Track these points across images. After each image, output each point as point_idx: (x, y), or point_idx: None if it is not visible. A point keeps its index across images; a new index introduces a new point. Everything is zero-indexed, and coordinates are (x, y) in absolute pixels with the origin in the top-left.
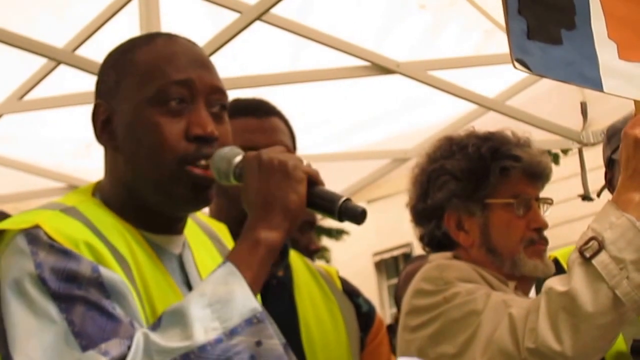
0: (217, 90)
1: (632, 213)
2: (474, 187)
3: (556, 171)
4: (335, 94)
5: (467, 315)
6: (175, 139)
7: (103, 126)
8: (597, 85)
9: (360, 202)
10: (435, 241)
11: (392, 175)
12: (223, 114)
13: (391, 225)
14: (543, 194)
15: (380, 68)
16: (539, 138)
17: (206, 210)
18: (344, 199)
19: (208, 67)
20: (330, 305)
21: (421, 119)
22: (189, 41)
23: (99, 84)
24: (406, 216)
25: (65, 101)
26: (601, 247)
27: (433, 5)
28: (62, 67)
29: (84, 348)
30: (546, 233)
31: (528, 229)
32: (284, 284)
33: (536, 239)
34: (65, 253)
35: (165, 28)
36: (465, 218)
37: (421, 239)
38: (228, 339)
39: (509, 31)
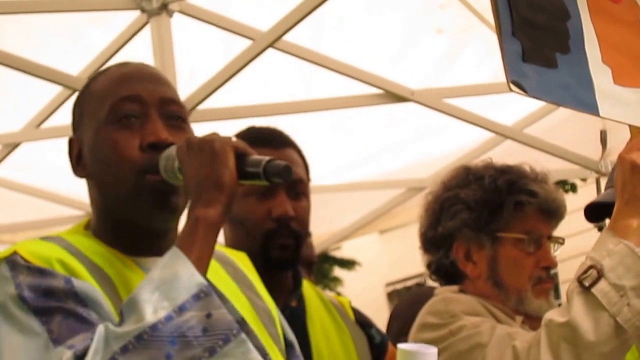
0: (169, 102)
1: (630, 239)
2: (486, 219)
3: (572, 201)
4: (348, 123)
5: (473, 348)
6: (131, 151)
7: (77, 159)
8: (593, 109)
9: (373, 232)
10: (442, 270)
11: (407, 205)
12: (181, 124)
13: (405, 255)
14: (558, 227)
15: (394, 96)
16: (557, 167)
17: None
18: (267, 159)
19: (159, 82)
20: (343, 337)
21: (436, 147)
22: (142, 63)
23: (72, 124)
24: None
25: None
26: (600, 275)
27: (450, 30)
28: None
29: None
30: (562, 265)
31: (537, 267)
32: (297, 314)
33: (544, 278)
34: (40, 271)
35: (178, 55)
36: (475, 249)
37: (428, 266)
38: (178, 315)
39: (503, 53)
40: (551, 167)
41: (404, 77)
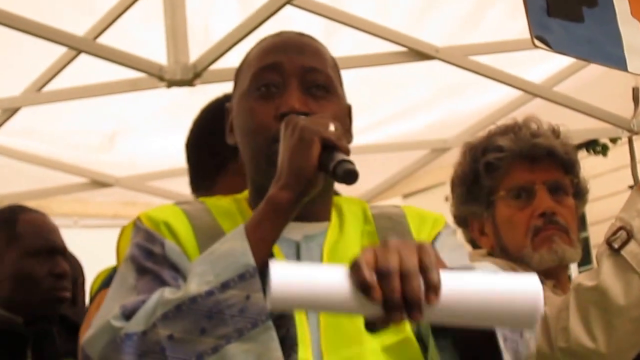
0: (311, 70)
1: None
2: (472, 189)
3: (604, 163)
4: (369, 82)
5: None
6: (267, 121)
7: (231, 127)
8: (621, 64)
9: (396, 195)
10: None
11: (432, 167)
12: (324, 94)
13: None
14: (592, 188)
15: (418, 53)
16: (588, 126)
17: None
18: (339, 159)
19: (305, 50)
20: None
21: (462, 106)
22: (297, 33)
23: None
24: (446, 209)
25: (86, 92)
26: (630, 236)
27: None
28: (82, 56)
29: None
30: (594, 229)
31: (532, 217)
32: None
33: (541, 226)
34: (148, 234)
35: (190, 14)
36: (484, 221)
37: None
38: (220, 292)
39: (527, 8)
40: (581, 126)
41: (428, 34)
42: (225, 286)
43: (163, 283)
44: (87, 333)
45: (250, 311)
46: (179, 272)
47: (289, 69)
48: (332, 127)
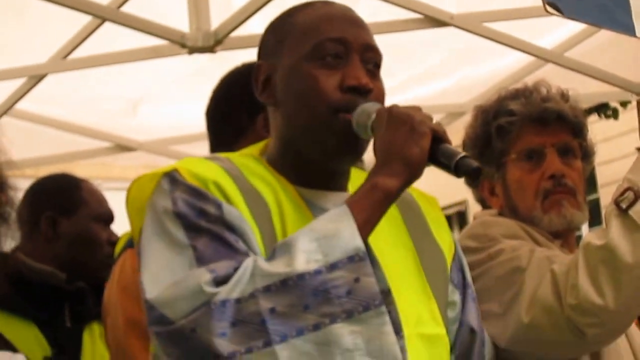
0: (371, 48)
1: None
2: (483, 151)
3: (614, 126)
4: (385, 48)
5: (512, 272)
6: (331, 90)
7: (264, 85)
8: (630, 31)
9: None
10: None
11: (447, 131)
12: (377, 72)
13: (446, 183)
14: (600, 152)
15: (433, 20)
16: (598, 90)
17: None
18: (461, 155)
19: (362, 27)
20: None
21: (476, 72)
22: (345, 6)
23: (259, 49)
24: None
25: (111, 59)
26: (637, 196)
27: None
28: (107, 24)
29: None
30: (605, 190)
31: (542, 180)
32: None
33: (551, 188)
34: (195, 191)
35: None
36: (495, 182)
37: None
38: (328, 272)
39: None
40: (592, 90)
41: (444, 1)
42: (333, 267)
43: (227, 244)
44: (161, 292)
45: (359, 294)
46: (238, 235)
47: (355, 45)
48: (434, 120)
